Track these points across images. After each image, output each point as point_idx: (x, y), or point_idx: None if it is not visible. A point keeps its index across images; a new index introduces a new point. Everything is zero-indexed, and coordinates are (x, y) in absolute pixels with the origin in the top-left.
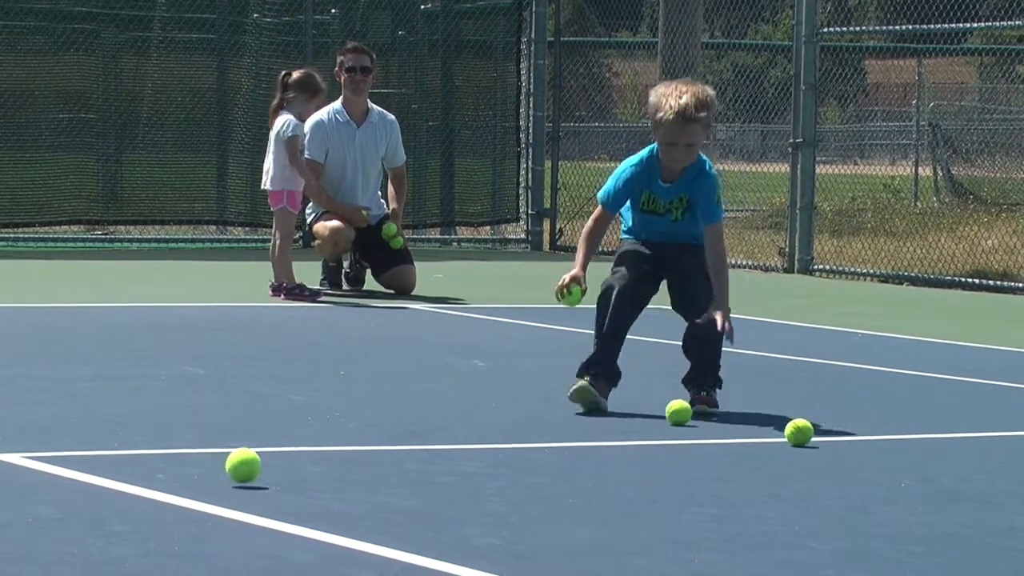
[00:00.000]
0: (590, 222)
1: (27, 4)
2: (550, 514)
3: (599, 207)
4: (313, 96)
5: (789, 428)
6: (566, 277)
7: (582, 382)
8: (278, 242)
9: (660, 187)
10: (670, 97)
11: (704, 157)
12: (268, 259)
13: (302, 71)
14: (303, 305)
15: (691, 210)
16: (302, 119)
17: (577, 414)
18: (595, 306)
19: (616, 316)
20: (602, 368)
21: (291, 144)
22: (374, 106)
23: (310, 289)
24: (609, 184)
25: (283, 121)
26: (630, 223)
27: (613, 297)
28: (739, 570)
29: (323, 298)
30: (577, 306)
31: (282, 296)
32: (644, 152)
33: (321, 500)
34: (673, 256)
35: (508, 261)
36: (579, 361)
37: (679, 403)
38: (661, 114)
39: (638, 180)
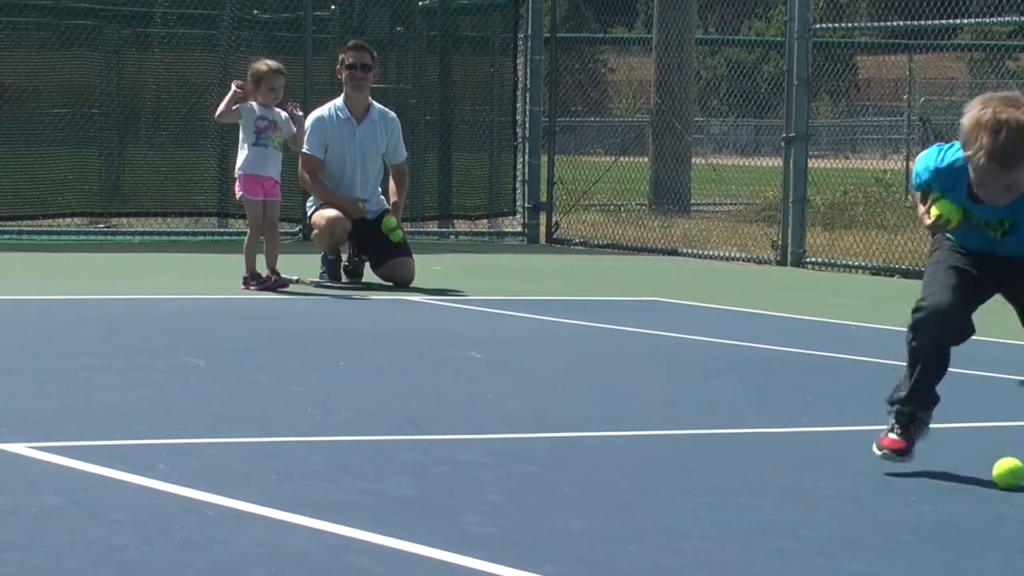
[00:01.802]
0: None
1: (31, 0)
2: (546, 503)
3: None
4: (257, 84)
5: (1003, 469)
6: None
7: (887, 451)
8: (250, 227)
9: (970, 204)
10: (984, 132)
11: None
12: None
13: (259, 60)
14: (303, 297)
15: (1018, 230)
16: (265, 104)
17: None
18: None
19: (928, 360)
20: (915, 406)
21: (230, 115)
22: (376, 103)
23: (265, 279)
24: (916, 170)
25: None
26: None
27: (922, 338)
28: (732, 558)
29: (293, 288)
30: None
31: (251, 287)
32: (951, 155)
33: (320, 489)
34: (1003, 273)
35: (505, 254)
36: (577, 352)
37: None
38: (971, 152)
39: (937, 183)
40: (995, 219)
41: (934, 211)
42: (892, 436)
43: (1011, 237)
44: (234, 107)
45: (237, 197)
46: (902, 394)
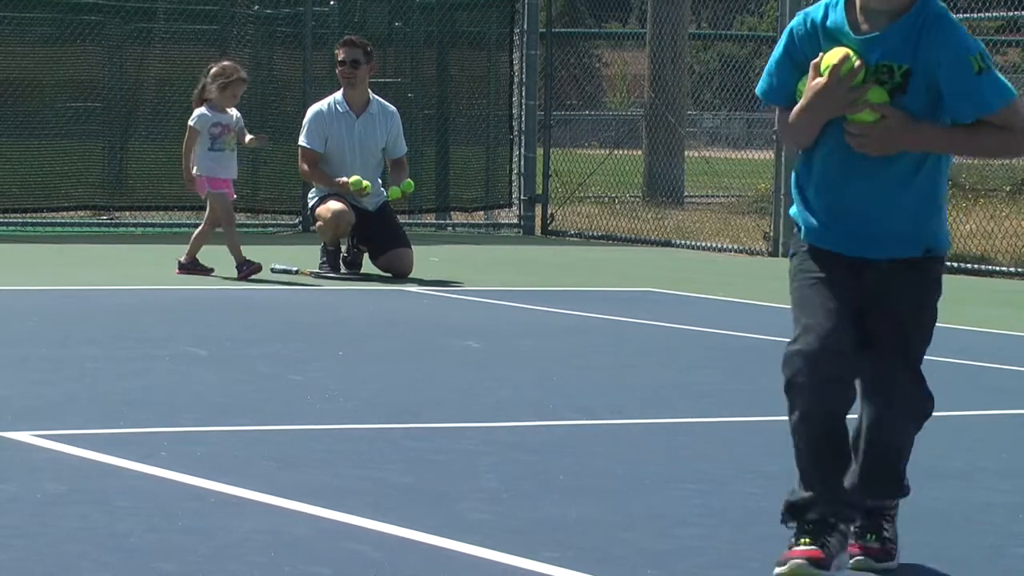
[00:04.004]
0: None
1: None
2: (541, 490)
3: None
4: (224, 87)
5: None
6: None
7: (797, 560)
8: (222, 221)
9: (851, 38)
10: None
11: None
12: (267, 244)
13: (218, 64)
14: (303, 288)
15: (916, 84)
16: (221, 109)
17: None
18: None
19: (816, 422)
20: (824, 507)
21: (189, 133)
22: (376, 97)
23: (202, 267)
24: (766, 68)
25: (196, 111)
26: (797, 202)
27: (800, 393)
28: (725, 545)
29: (292, 278)
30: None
31: (244, 272)
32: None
33: (319, 476)
34: (881, 280)
35: (501, 245)
36: (572, 342)
37: None
38: None
39: (801, 45)
40: (886, 64)
41: (828, 60)
42: (801, 546)
43: (908, 100)
44: (191, 122)
45: (202, 196)
46: (801, 496)
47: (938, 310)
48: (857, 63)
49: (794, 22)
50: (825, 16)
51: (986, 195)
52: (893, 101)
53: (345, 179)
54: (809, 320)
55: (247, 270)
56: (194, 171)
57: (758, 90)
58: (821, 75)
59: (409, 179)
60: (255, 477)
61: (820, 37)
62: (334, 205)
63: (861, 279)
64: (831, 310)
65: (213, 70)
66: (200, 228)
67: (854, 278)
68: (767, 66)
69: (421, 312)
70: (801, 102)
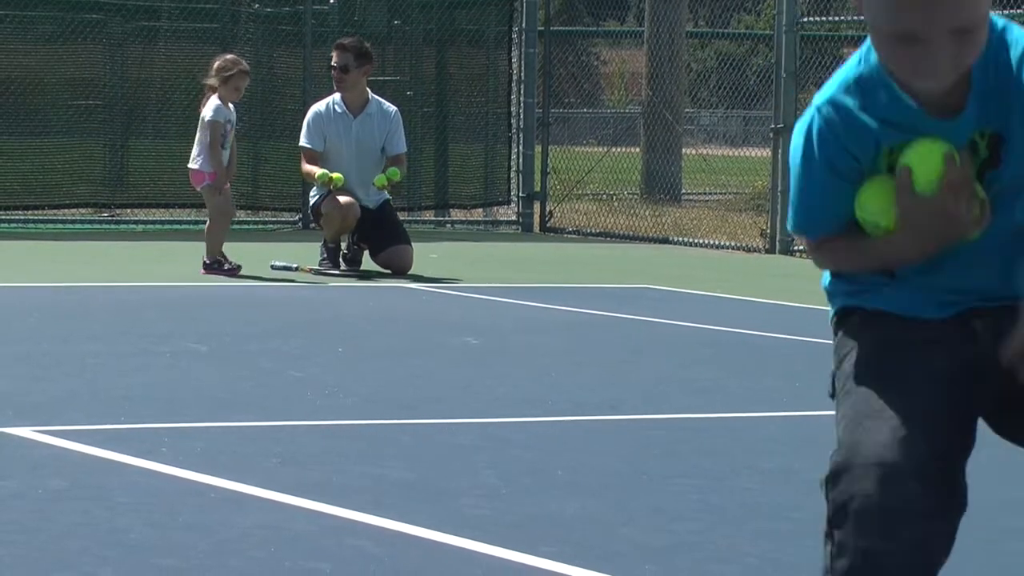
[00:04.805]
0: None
1: None
2: (540, 486)
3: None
4: (225, 81)
5: None
6: None
7: None
8: (213, 218)
9: (930, 124)
10: None
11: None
12: (267, 241)
13: (223, 58)
14: (303, 285)
15: (1013, 151)
16: (226, 104)
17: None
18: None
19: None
20: None
21: (211, 128)
22: (376, 98)
23: (229, 263)
24: (792, 192)
25: (209, 105)
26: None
27: (855, 505)
28: (722, 540)
29: (292, 275)
30: None
31: (204, 271)
32: (846, 73)
33: (319, 472)
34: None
35: (500, 242)
36: (571, 338)
37: None
38: None
39: (845, 143)
40: (973, 134)
41: (928, 172)
42: None
43: (1005, 172)
44: (212, 116)
45: (199, 188)
46: None
47: None
48: (960, 160)
49: (813, 122)
50: (865, 101)
51: None
52: (985, 180)
53: (315, 170)
54: (866, 431)
55: (225, 269)
56: (196, 165)
57: (792, 225)
58: (917, 191)
59: (395, 168)
60: (255, 473)
61: (877, 129)
62: (341, 199)
63: (964, 339)
64: (914, 401)
65: (215, 64)
66: (209, 224)
67: (952, 338)
68: (796, 192)
69: (420, 309)
70: (907, 239)
